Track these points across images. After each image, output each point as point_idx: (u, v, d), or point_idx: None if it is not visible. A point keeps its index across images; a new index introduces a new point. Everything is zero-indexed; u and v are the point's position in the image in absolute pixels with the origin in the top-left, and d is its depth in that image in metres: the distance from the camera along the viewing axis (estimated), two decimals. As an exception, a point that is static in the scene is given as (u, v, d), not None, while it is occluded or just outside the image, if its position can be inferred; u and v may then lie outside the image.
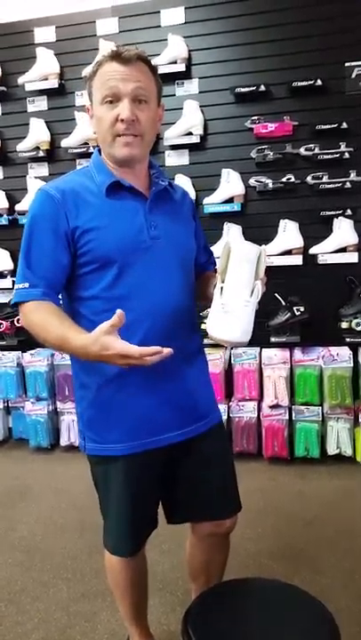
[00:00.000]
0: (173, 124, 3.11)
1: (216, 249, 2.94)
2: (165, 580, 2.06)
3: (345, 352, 2.93)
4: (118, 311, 1.10)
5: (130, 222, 1.28)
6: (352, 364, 2.92)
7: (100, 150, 1.35)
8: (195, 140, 3.11)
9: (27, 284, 1.24)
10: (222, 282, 1.24)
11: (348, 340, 2.96)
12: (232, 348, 3.08)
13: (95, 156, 1.36)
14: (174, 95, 3.18)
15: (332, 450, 2.97)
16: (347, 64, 2.90)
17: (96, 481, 1.42)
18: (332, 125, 2.93)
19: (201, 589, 1.54)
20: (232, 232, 3.02)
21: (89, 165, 1.35)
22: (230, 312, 1.21)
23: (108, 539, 1.45)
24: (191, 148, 3.15)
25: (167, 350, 1.10)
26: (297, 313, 2.92)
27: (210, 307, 1.28)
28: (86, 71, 1.32)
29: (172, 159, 3.22)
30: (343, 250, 2.95)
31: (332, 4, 2.89)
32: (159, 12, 3.13)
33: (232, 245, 1.26)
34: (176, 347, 1.15)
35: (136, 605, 1.58)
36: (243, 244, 1.27)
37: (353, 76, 2.91)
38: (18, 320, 3.40)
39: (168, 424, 1.33)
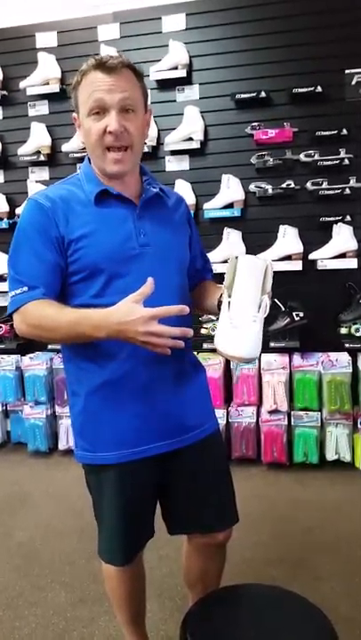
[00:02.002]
0: (174, 129, 3.12)
1: (216, 254, 2.98)
2: (164, 586, 2.05)
3: (344, 358, 2.93)
4: (149, 279, 1.10)
5: (118, 230, 1.26)
6: (351, 370, 2.92)
7: (89, 159, 1.34)
8: (195, 145, 3.12)
9: (25, 288, 1.21)
10: (229, 296, 1.23)
11: (347, 345, 2.96)
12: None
13: (85, 166, 1.35)
14: (175, 101, 3.19)
15: (331, 456, 2.97)
16: (347, 71, 2.92)
17: (90, 489, 1.42)
18: (332, 132, 2.94)
19: (198, 597, 1.51)
20: (232, 237, 3.03)
21: (78, 174, 1.35)
22: (238, 327, 1.19)
23: (103, 548, 1.43)
24: (192, 153, 3.16)
25: (189, 333, 1.11)
26: (296, 318, 2.92)
27: (209, 314, 1.27)
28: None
29: (173, 164, 3.23)
30: (343, 256, 2.96)
31: (333, 12, 2.90)
32: (160, 18, 3.14)
33: (239, 259, 1.25)
34: (168, 357, 1.14)
35: (134, 612, 1.57)
36: (249, 259, 1.26)
37: (353, 83, 2.92)
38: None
39: (156, 434, 1.30)
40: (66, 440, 3.35)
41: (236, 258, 1.25)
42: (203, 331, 3.00)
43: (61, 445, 3.37)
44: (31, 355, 3.43)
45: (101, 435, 1.30)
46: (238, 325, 1.19)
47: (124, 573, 1.47)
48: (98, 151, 1.25)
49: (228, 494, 1.45)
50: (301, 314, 2.92)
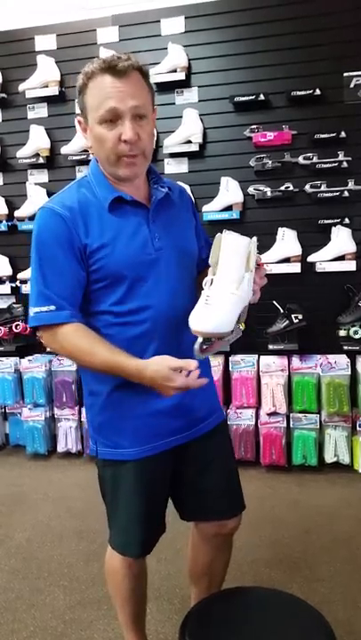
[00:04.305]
0: (173, 132, 3.13)
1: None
2: (162, 589, 2.05)
3: (343, 360, 2.94)
4: (193, 367, 1.15)
5: (136, 237, 1.27)
6: (350, 372, 2.92)
7: (97, 161, 1.32)
8: (194, 148, 3.12)
9: (52, 307, 1.22)
10: (213, 274, 1.21)
11: (345, 347, 2.97)
12: (230, 355, 3.08)
13: (94, 168, 1.32)
14: (174, 104, 3.20)
15: (329, 458, 2.97)
16: (345, 74, 2.93)
17: (104, 484, 1.42)
18: (331, 135, 2.94)
19: (202, 593, 1.56)
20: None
21: (87, 177, 1.32)
22: (212, 304, 1.17)
23: (118, 540, 1.44)
24: (190, 156, 3.17)
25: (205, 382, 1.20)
26: (295, 320, 2.92)
27: None
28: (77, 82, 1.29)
29: (172, 167, 3.23)
30: (341, 258, 2.96)
31: (331, 15, 2.91)
32: (159, 21, 3.15)
33: (223, 237, 1.23)
34: (184, 352, 1.20)
35: (136, 612, 1.57)
36: (232, 236, 1.23)
37: (351, 85, 2.93)
38: (16, 326, 3.40)
39: (175, 427, 1.35)
40: (64, 442, 3.35)
41: (220, 235, 1.23)
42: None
43: (60, 448, 3.36)
44: (30, 357, 3.43)
45: (122, 431, 1.33)
46: (212, 302, 1.18)
47: (130, 569, 1.47)
48: (112, 158, 1.24)
49: (237, 481, 1.50)
50: (300, 316, 2.92)
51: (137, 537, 1.40)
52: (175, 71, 3.11)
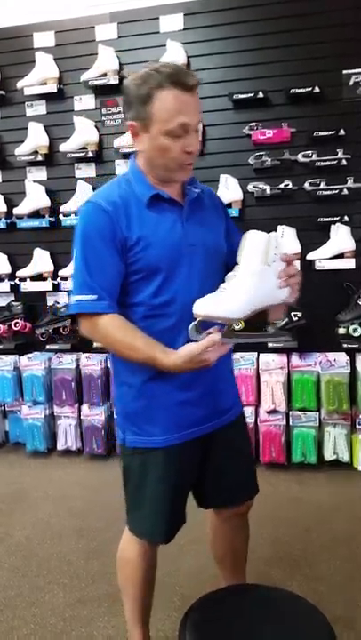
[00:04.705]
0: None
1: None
2: (162, 587, 2.04)
3: (342, 358, 2.94)
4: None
5: (171, 233, 1.35)
6: (349, 370, 2.92)
7: (135, 159, 1.40)
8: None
9: (94, 296, 1.30)
10: (235, 272, 1.28)
11: (345, 345, 2.96)
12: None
13: (134, 167, 1.40)
14: (173, 101, 3.18)
15: (329, 456, 2.97)
16: (344, 71, 2.92)
17: (130, 472, 1.47)
18: (330, 132, 2.94)
19: (229, 573, 1.69)
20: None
21: (126, 175, 1.40)
22: (221, 294, 1.24)
23: (143, 527, 1.49)
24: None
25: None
26: (294, 318, 2.92)
27: None
28: (133, 87, 1.30)
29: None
30: (341, 256, 2.96)
31: (331, 12, 2.90)
32: (158, 18, 3.14)
33: (245, 235, 1.29)
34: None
35: (144, 605, 1.61)
36: (252, 233, 1.28)
37: (351, 83, 2.92)
38: (15, 324, 3.40)
39: (202, 416, 1.42)
40: (64, 440, 3.36)
41: (245, 234, 1.30)
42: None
43: (60, 445, 3.37)
44: (29, 355, 3.43)
45: (153, 420, 1.40)
46: (222, 292, 1.24)
47: (144, 559, 1.53)
48: (172, 165, 1.32)
49: (254, 467, 1.64)
50: (300, 314, 2.92)
51: (164, 522, 1.45)
52: (174, 68, 3.10)
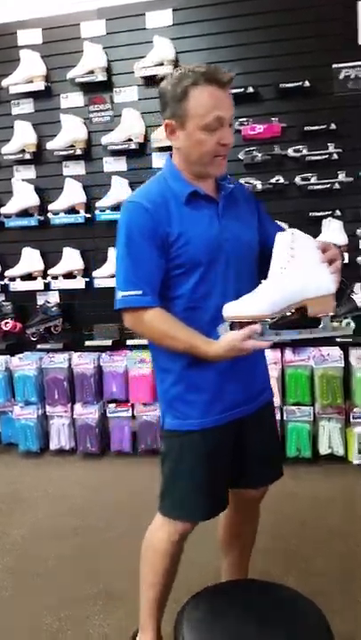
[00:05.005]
0: (160, 126, 3.10)
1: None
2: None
3: (336, 352, 2.94)
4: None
5: (208, 227, 1.41)
6: (343, 364, 2.92)
7: (170, 158, 1.47)
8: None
9: (139, 292, 1.37)
10: None
11: (338, 340, 2.96)
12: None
13: (170, 166, 1.47)
14: (161, 97, 3.17)
15: (324, 450, 2.97)
16: (334, 65, 2.91)
17: (168, 453, 1.52)
18: (321, 127, 2.94)
19: (235, 560, 1.76)
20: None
21: (163, 174, 1.47)
22: (251, 294, 1.31)
23: (180, 507, 1.51)
24: (179, 149, 3.15)
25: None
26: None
27: None
28: (169, 88, 1.38)
29: (159, 161, 3.21)
30: (332, 250, 2.95)
31: (320, 7, 2.90)
32: (144, 14, 3.12)
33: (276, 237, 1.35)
34: None
35: (162, 596, 1.61)
36: (278, 236, 1.33)
37: (341, 77, 2.92)
38: (6, 324, 3.38)
39: (239, 399, 1.49)
40: (57, 440, 3.33)
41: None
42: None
43: (53, 445, 3.35)
44: (20, 355, 3.40)
45: (191, 403, 1.46)
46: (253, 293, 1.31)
47: (175, 547, 1.54)
48: (207, 158, 1.39)
49: (281, 451, 1.71)
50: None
51: (203, 500, 1.49)
52: (162, 64, 3.09)
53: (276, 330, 1.33)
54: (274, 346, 3.03)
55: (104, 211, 3.23)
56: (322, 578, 2.03)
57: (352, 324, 2.91)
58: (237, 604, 1.28)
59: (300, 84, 2.92)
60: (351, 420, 2.96)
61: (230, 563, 1.78)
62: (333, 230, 2.95)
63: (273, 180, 3.02)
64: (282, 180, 3.02)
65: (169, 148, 3.09)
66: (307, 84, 2.92)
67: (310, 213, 3.00)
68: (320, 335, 1.35)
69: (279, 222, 2.90)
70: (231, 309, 1.30)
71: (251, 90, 2.98)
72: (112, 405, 3.30)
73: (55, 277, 3.30)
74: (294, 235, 1.32)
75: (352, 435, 2.94)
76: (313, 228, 2.99)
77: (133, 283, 1.38)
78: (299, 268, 1.30)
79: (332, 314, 1.36)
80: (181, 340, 1.37)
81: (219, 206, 1.45)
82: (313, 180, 2.99)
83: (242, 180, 3.05)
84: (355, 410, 2.95)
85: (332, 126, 2.93)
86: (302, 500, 2.61)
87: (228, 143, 1.39)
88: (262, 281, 1.34)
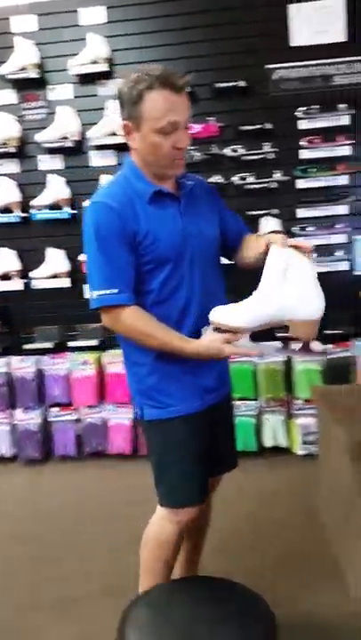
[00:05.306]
0: (96, 124, 3.07)
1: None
2: (114, 585, 2.01)
3: (277, 347, 3.01)
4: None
5: (172, 224, 1.45)
6: (284, 359, 3.00)
7: (130, 157, 1.49)
8: (120, 140, 3.07)
9: (115, 290, 1.39)
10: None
11: (278, 334, 3.03)
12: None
13: (131, 166, 1.48)
14: (96, 95, 3.14)
15: (268, 442, 3.04)
16: (267, 66, 2.98)
17: (152, 444, 1.56)
18: (256, 126, 3.00)
19: (186, 556, 1.78)
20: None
21: (124, 174, 1.49)
22: (240, 304, 1.35)
23: (176, 495, 1.53)
24: (117, 148, 3.12)
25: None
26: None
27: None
28: (125, 90, 1.40)
29: (97, 160, 3.18)
30: (270, 248, 3.03)
31: (254, 7, 2.95)
32: (77, 10, 3.07)
33: (270, 250, 1.36)
34: None
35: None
36: (272, 250, 1.35)
37: (275, 77, 2.99)
38: None
39: (211, 385, 1.55)
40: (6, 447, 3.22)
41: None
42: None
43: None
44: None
45: (168, 392, 1.49)
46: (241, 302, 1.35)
47: (179, 535, 1.57)
48: (163, 161, 1.42)
49: (236, 439, 1.78)
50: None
51: (194, 483, 1.53)
52: (97, 62, 3.05)
53: (256, 342, 1.38)
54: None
55: (41, 210, 3.15)
56: (270, 569, 2.07)
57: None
58: (183, 601, 1.28)
59: (235, 83, 2.97)
60: (293, 411, 3.05)
61: (182, 559, 1.78)
62: (270, 229, 3.02)
63: (212, 180, 3.05)
64: (220, 180, 3.06)
65: (107, 147, 3.13)
66: (242, 83, 2.97)
67: (248, 212, 3.05)
68: (299, 357, 1.39)
69: (271, 218, 2.95)
70: (217, 315, 1.35)
71: (187, 89, 2.99)
72: (55, 409, 3.23)
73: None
74: (291, 254, 1.33)
75: (295, 426, 3.03)
76: (251, 227, 3.04)
77: (108, 281, 1.40)
78: (292, 289, 1.32)
79: (312, 340, 1.40)
80: (158, 338, 1.40)
81: (180, 204, 1.48)
82: (250, 180, 3.05)
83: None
84: (296, 402, 3.04)
85: (268, 126, 3.00)
86: (249, 492, 2.65)
87: (183, 147, 1.41)
88: (253, 293, 1.36)
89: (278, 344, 1.39)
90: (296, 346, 1.42)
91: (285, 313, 1.33)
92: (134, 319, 1.41)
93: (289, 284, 1.32)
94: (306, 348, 1.46)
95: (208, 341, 1.38)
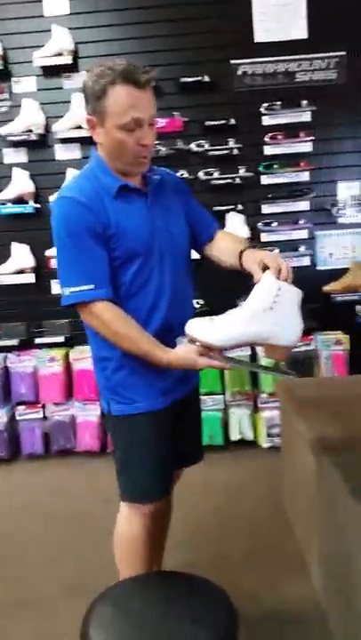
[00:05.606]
0: (62, 117, 3.04)
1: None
2: (74, 584, 2.01)
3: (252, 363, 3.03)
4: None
5: (140, 218, 1.44)
6: (250, 352, 3.03)
7: (97, 151, 1.47)
8: (85, 133, 3.03)
9: (91, 286, 1.37)
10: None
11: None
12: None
13: (97, 161, 1.46)
14: (61, 88, 3.10)
15: (234, 436, 3.08)
16: (232, 61, 2.99)
17: (119, 438, 1.55)
18: (221, 122, 3.01)
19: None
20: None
21: (91, 168, 1.47)
22: (217, 319, 1.34)
23: (135, 487, 1.54)
24: (82, 141, 3.09)
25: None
26: (197, 306, 2.97)
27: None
28: (89, 84, 1.37)
29: (62, 153, 3.14)
30: (237, 243, 3.05)
31: (219, 3, 2.96)
32: (41, 0, 3.02)
33: (263, 275, 1.36)
34: (184, 314, 1.44)
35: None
36: (265, 277, 1.35)
37: (239, 73, 3.01)
38: None
39: (177, 381, 1.53)
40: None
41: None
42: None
43: None
44: None
45: (135, 388, 1.49)
46: (219, 318, 1.34)
47: (147, 528, 1.56)
48: (127, 158, 1.40)
49: (202, 432, 1.80)
50: (202, 301, 2.98)
51: (156, 478, 1.53)
52: (61, 54, 3.01)
53: (230, 357, 1.41)
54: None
55: (5, 204, 3.10)
56: (235, 564, 2.09)
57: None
58: (144, 597, 1.29)
59: (200, 78, 2.97)
60: (259, 405, 3.09)
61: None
62: (236, 224, 3.04)
63: (178, 175, 3.05)
64: (186, 175, 3.06)
65: (73, 140, 3.09)
66: (206, 78, 2.98)
67: (214, 208, 3.06)
68: (270, 374, 1.39)
69: (237, 214, 2.95)
70: (193, 329, 1.34)
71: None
72: (21, 407, 3.19)
73: None
74: (282, 287, 1.33)
75: (260, 419, 3.07)
76: (218, 222, 3.06)
77: (83, 277, 1.38)
78: (274, 318, 1.32)
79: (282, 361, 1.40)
80: (133, 339, 1.39)
81: (147, 199, 1.47)
82: (216, 175, 3.06)
83: (147, 174, 3.07)
84: (262, 395, 3.08)
85: (232, 121, 3.01)
86: (215, 486, 2.67)
87: (148, 144, 1.39)
88: (237, 310, 1.36)
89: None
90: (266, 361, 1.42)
91: (267, 337, 1.34)
92: (112, 316, 1.39)
93: (276, 311, 1.32)
94: (275, 368, 1.47)
95: (183, 352, 1.37)
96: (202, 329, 1.34)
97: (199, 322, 1.36)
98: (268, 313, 1.32)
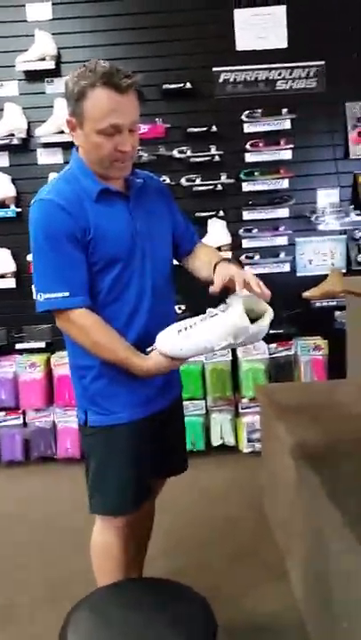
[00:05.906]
0: (44, 121, 3.03)
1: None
2: (56, 592, 1.99)
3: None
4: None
5: (121, 223, 1.41)
6: (231, 358, 3.05)
7: (77, 153, 1.43)
8: (68, 138, 3.03)
9: (67, 293, 1.34)
10: (211, 315, 1.33)
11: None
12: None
13: (78, 163, 1.42)
14: (44, 93, 3.10)
15: (216, 441, 3.08)
16: (214, 69, 3.02)
17: (93, 450, 1.52)
18: (203, 129, 3.03)
19: (134, 556, 1.71)
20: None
21: (71, 170, 1.43)
22: (184, 333, 1.33)
23: (108, 502, 1.51)
24: (65, 146, 3.08)
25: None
26: (179, 312, 2.98)
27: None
28: (70, 84, 1.33)
29: (45, 157, 3.14)
30: (218, 249, 3.07)
31: (202, 10, 3.00)
32: (24, 5, 3.02)
33: (240, 300, 1.31)
34: (165, 321, 1.39)
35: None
36: (235, 312, 1.30)
37: (221, 80, 3.04)
38: None
39: (158, 391, 1.51)
40: None
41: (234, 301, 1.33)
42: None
43: None
44: None
45: (114, 398, 1.46)
46: (184, 332, 1.33)
47: (122, 539, 1.53)
48: (106, 163, 1.37)
49: (186, 442, 1.77)
50: (183, 307, 2.99)
51: (129, 492, 1.49)
52: (44, 59, 3.01)
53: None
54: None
55: (-14, 208, 3.08)
56: (217, 570, 2.09)
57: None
58: (123, 604, 1.28)
59: (182, 85, 3.00)
60: (240, 410, 3.10)
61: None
62: (217, 230, 3.06)
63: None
64: (168, 181, 3.06)
65: (55, 145, 3.09)
66: (188, 85, 3.00)
67: (196, 214, 3.08)
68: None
69: (218, 220, 2.96)
70: (161, 343, 1.35)
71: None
72: (1, 414, 3.16)
73: None
74: (254, 299, 1.32)
75: (241, 424, 3.08)
76: (199, 228, 3.08)
77: (58, 283, 1.34)
78: (233, 345, 1.34)
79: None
80: (114, 352, 1.37)
81: (129, 203, 1.44)
82: (197, 182, 3.08)
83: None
84: (243, 401, 3.09)
85: (214, 128, 3.03)
86: (198, 491, 2.66)
87: (126, 150, 1.34)
88: (211, 315, 1.34)
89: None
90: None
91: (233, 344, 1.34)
92: (88, 323, 1.36)
93: (232, 344, 1.33)
94: None
95: (160, 361, 1.37)
96: (169, 343, 1.34)
97: (167, 335, 1.35)
98: (228, 344, 1.32)
